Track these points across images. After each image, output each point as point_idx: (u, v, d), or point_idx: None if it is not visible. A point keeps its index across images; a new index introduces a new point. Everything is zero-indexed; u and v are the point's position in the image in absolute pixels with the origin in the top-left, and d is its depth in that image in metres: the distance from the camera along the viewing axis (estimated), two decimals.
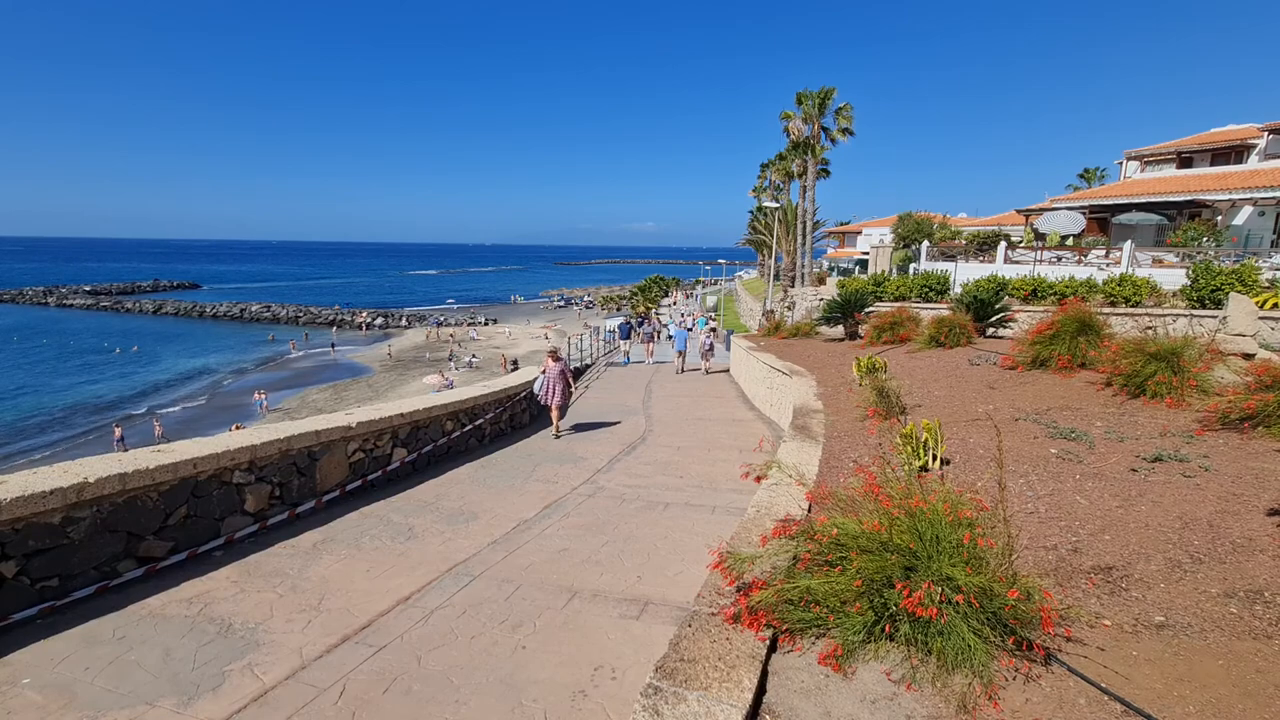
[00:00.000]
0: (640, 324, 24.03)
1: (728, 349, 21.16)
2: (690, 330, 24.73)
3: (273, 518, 5.92)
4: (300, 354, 49.97)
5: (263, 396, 31.93)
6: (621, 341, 23.42)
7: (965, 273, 21.66)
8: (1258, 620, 2.80)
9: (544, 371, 10.97)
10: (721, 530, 5.13)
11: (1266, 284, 15.19)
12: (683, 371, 20.29)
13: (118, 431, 25.66)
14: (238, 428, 23.42)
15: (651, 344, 21.99)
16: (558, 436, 10.54)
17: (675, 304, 70.95)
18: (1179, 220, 23.23)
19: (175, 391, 38.02)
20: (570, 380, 11.12)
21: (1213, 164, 25.68)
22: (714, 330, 33.06)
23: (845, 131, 33.48)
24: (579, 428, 11.48)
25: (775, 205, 36.43)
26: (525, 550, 5.43)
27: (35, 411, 32.66)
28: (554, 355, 11.14)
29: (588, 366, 20.26)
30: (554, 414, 10.85)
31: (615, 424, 11.76)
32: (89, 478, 4.43)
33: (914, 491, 3.03)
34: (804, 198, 35.68)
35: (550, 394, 10.66)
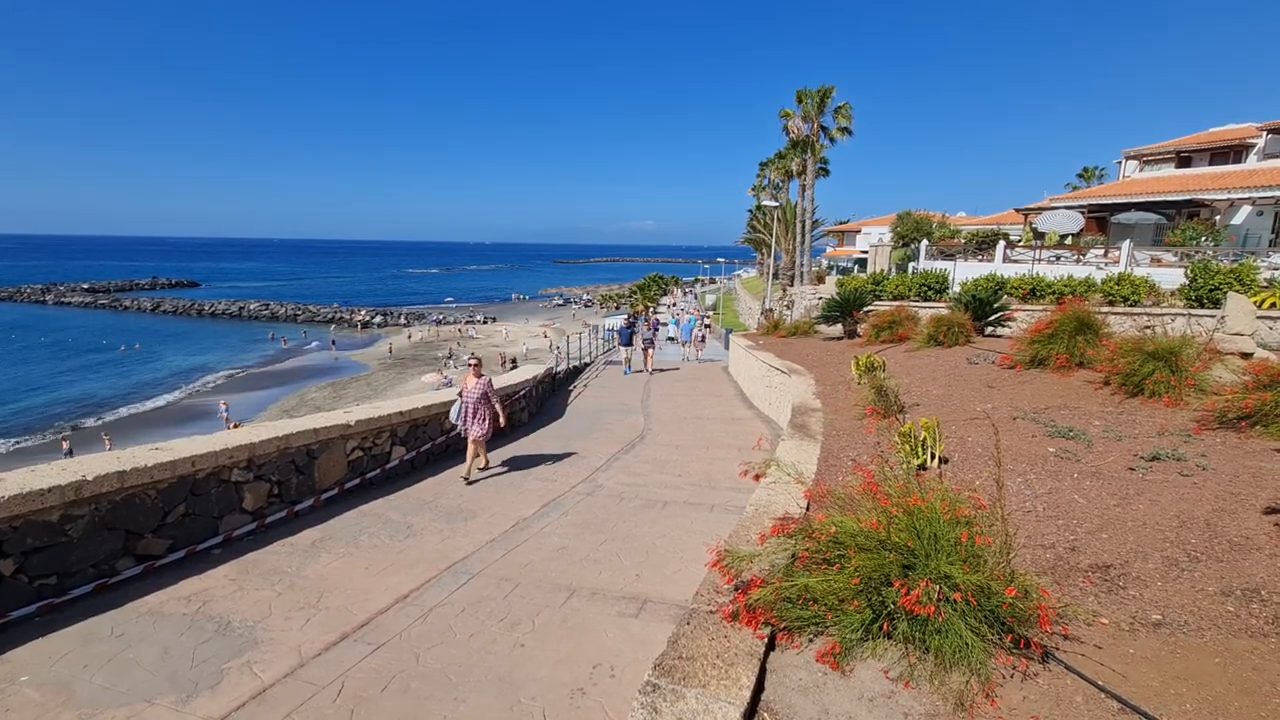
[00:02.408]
0: (637, 323, 20.95)
1: (726, 347, 21.73)
2: (691, 328, 27.09)
3: (271, 516, 5.93)
4: (298, 352, 49.92)
5: (225, 406, 29.79)
6: (623, 348, 20.16)
7: (964, 272, 21.67)
8: (1254, 618, 2.80)
9: (461, 394, 8.07)
10: (720, 528, 5.13)
11: (1264, 283, 15.22)
12: (686, 361, 22.83)
13: (65, 445, 24.13)
14: (235, 426, 23.02)
15: (652, 350, 19.57)
16: (469, 482, 7.60)
17: (675, 303, 71.03)
18: (1177, 220, 23.25)
19: (158, 391, 37.32)
20: (497, 405, 8.12)
21: (1211, 163, 25.68)
22: (709, 327, 34.64)
23: (844, 130, 33.44)
24: (578, 426, 11.49)
25: (774, 204, 36.40)
26: (524, 548, 5.44)
27: (23, 412, 32.15)
28: (476, 370, 8.16)
29: (586, 365, 20.26)
30: (470, 448, 7.87)
31: (614, 422, 11.76)
32: (87, 476, 4.43)
33: (912, 490, 3.04)
34: (803, 196, 35.67)
35: (468, 421, 7.84)
